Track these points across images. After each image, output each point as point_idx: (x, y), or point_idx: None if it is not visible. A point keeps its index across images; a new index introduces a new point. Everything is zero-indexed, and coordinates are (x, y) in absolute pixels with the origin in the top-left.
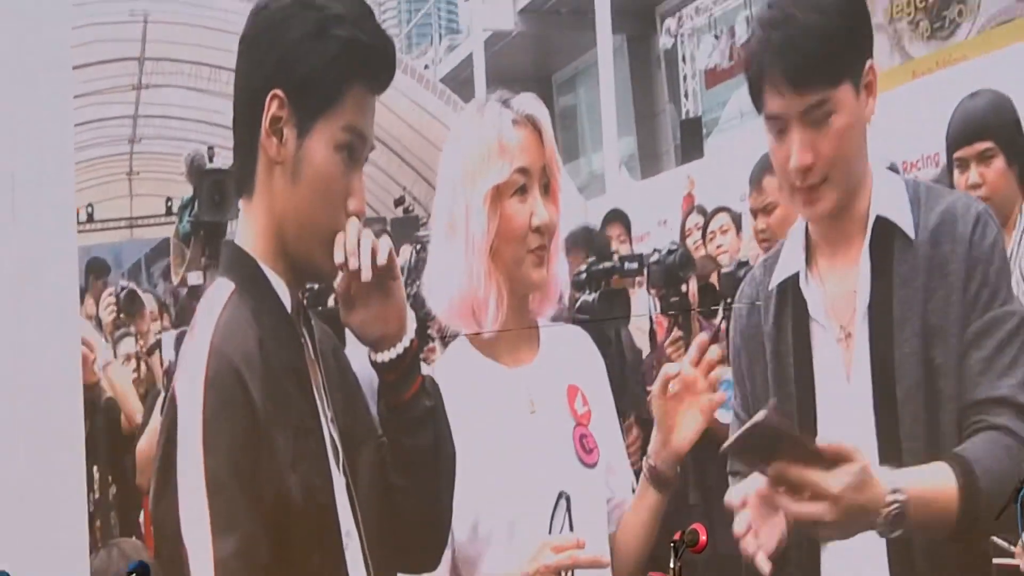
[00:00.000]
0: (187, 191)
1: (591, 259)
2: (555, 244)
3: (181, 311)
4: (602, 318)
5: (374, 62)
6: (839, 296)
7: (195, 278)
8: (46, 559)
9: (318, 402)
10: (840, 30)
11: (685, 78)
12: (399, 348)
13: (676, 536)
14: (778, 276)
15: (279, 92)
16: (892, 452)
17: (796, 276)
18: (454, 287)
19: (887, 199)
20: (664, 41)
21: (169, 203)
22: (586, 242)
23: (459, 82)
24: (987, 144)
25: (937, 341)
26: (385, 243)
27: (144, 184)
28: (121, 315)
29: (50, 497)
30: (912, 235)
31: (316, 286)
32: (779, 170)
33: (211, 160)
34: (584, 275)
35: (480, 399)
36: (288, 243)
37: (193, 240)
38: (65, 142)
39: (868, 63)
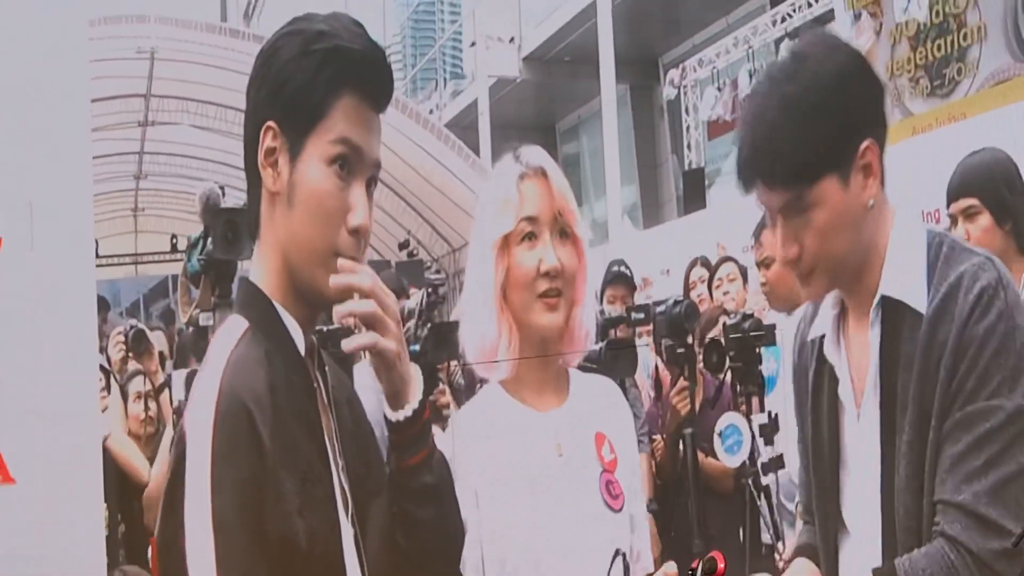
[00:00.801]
0: (192, 229)
1: (599, 310)
2: (579, 289)
3: (182, 351)
4: (607, 371)
5: (360, 68)
6: (860, 367)
7: (205, 319)
8: None
9: (328, 450)
10: (821, 123)
11: (688, 129)
12: (407, 410)
13: (694, 564)
14: (815, 331)
15: (271, 123)
16: (890, 544)
17: (823, 338)
18: (478, 334)
19: (897, 272)
20: (667, 92)
21: (174, 240)
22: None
23: (463, 127)
24: (971, 201)
25: (932, 429)
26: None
27: (149, 221)
28: (130, 354)
29: (67, 525)
30: (923, 310)
31: (327, 327)
32: (774, 249)
33: (224, 198)
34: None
35: (509, 441)
36: (295, 272)
37: (203, 279)
38: (83, 171)
39: (864, 144)
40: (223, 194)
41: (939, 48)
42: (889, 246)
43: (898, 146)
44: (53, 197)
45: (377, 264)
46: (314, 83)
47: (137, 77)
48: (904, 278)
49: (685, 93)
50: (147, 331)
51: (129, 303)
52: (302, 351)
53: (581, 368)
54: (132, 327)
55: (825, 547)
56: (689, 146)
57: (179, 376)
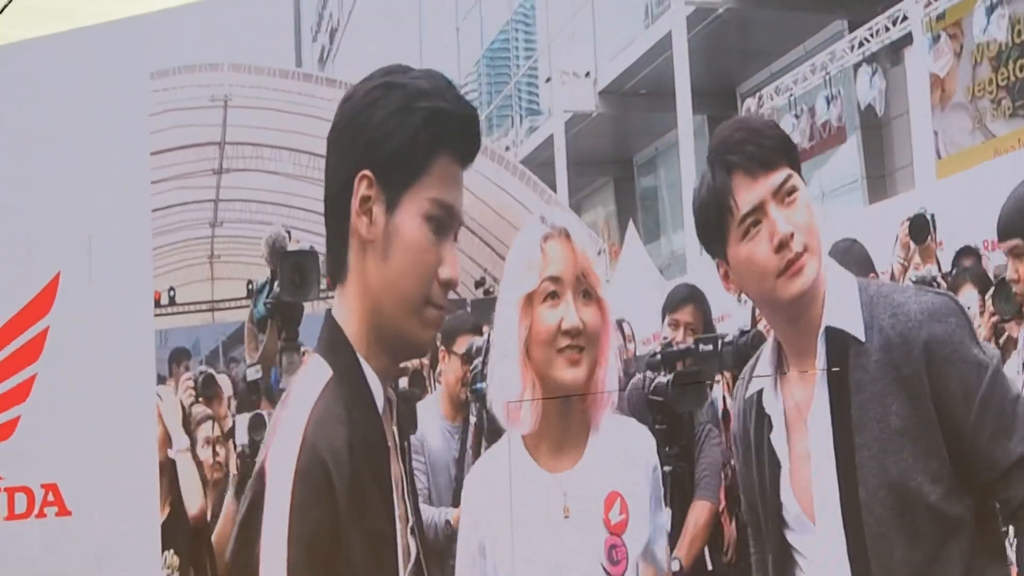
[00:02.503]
0: (266, 274)
1: (665, 340)
2: (603, 349)
3: (241, 398)
4: (674, 404)
5: (458, 131)
6: (803, 405)
7: (253, 373)
8: None
9: (396, 508)
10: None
11: None
12: None
13: None
14: (752, 388)
15: (367, 172)
16: (859, 552)
17: (761, 392)
18: (503, 389)
19: (837, 305)
20: None
21: (250, 285)
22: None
23: (539, 163)
24: (1015, 241)
25: (906, 443)
26: None
27: (225, 268)
28: (199, 399)
29: (124, 557)
30: (863, 339)
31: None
32: (759, 267)
33: (290, 241)
34: (659, 356)
35: (518, 500)
36: (384, 320)
37: (269, 323)
38: (141, 206)
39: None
40: (289, 237)
41: (1021, 68)
42: (828, 283)
43: (979, 168)
44: (112, 231)
45: (454, 303)
46: (415, 141)
47: (212, 125)
48: (843, 310)
49: None
50: (215, 375)
51: (208, 351)
52: (380, 407)
53: (648, 401)
54: (201, 372)
55: None
56: None
57: (242, 420)
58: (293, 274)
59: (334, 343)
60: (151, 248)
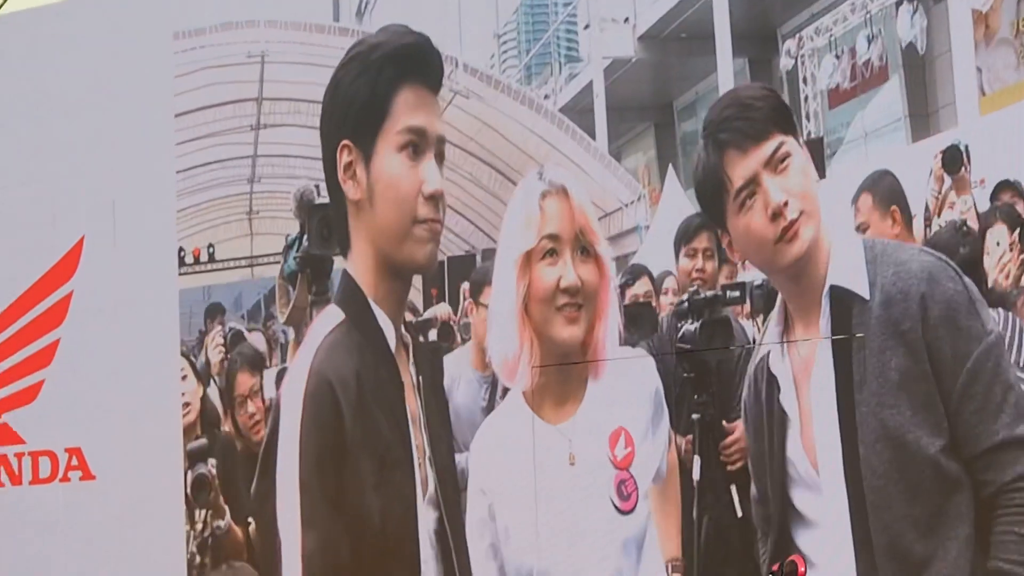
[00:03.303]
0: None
1: (693, 288)
2: (601, 305)
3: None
4: (703, 348)
5: (411, 59)
6: (808, 361)
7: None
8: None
9: (413, 440)
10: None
11: (807, 99)
12: None
13: (775, 568)
14: (760, 352)
15: (345, 141)
16: (859, 506)
17: (768, 355)
18: (501, 346)
19: (842, 263)
20: (785, 63)
21: (288, 240)
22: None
23: (579, 111)
24: None
25: (903, 397)
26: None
27: (264, 223)
28: (228, 354)
29: (148, 521)
30: (867, 295)
31: (416, 318)
32: (756, 236)
33: (319, 195)
34: (686, 304)
35: (522, 456)
36: (384, 254)
37: (300, 277)
38: (165, 170)
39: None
40: (318, 191)
41: None
42: (833, 242)
43: (1021, 104)
44: (136, 196)
45: (488, 252)
46: (375, 90)
47: (249, 81)
48: (847, 269)
49: (803, 63)
50: (245, 332)
51: (251, 305)
52: (392, 346)
53: (676, 351)
54: (231, 329)
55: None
56: (808, 116)
57: (270, 375)
58: (321, 227)
59: (346, 292)
60: (175, 212)
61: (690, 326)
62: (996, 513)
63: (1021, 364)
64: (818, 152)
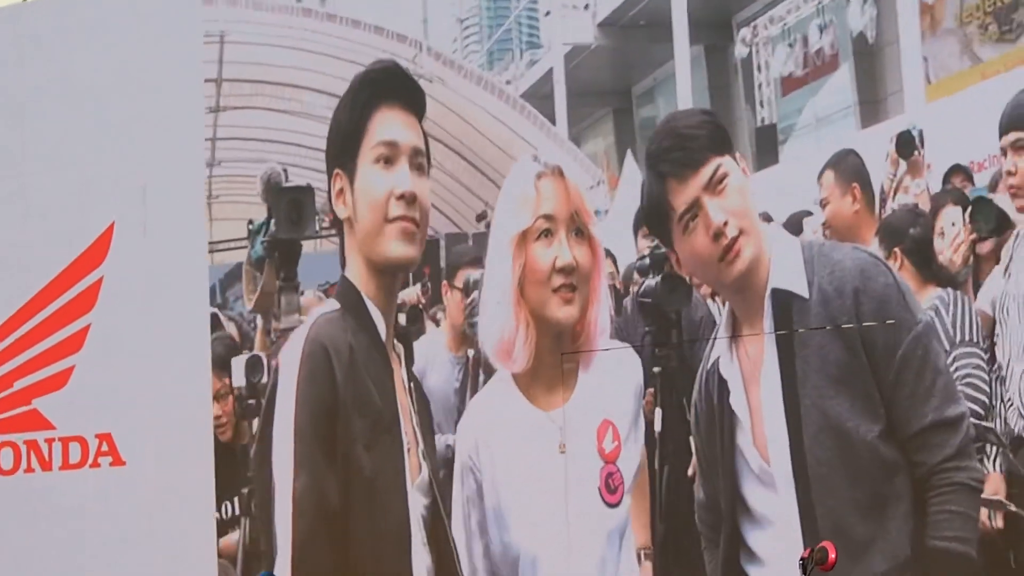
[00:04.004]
0: (265, 213)
1: (654, 244)
2: (594, 287)
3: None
4: (663, 303)
5: (383, 82)
6: (755, 363)
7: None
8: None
9: (402, 421)
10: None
11: (761, 86)
12: None
13: (805, 553)
14: (712, 357)
15: (337, 170)
16: (806, 494)
17: (719, 360)
18: (496, 328)
19: (781, 267)
20: (740, 51)
21: (250, 225)
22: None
23: (540, 97)
24: (1020, 134)
25: (842, 389)
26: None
27: (224, 208)
28: None
29: (177, 506)
30: (806, 295)
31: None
32: (701, 256)
33: (287, 179)
34: (648, 260)
35: (514, 440)
36: (369, 253)
37: (267, 263)
38: (196, 158)
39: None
40: (286, 175)
41: None
42: (773, 247)
43: (965, 92)
44: (166, 183)
45: (455, 237)
46: (354, 114)
47: (208, 62)
48: (787, 271)
49: (757, 51)
50: (222, 316)
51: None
52: (383, 335)
53: (639, 305)
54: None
55: (729, 548)
56: (762, 103)
57: (239, 362)
58: (290, 211)
59: (342, 288)
60: (205, 197)
61: (651, 280)
62: (930, 494)
63: (967, 339)
64: (771, 138)
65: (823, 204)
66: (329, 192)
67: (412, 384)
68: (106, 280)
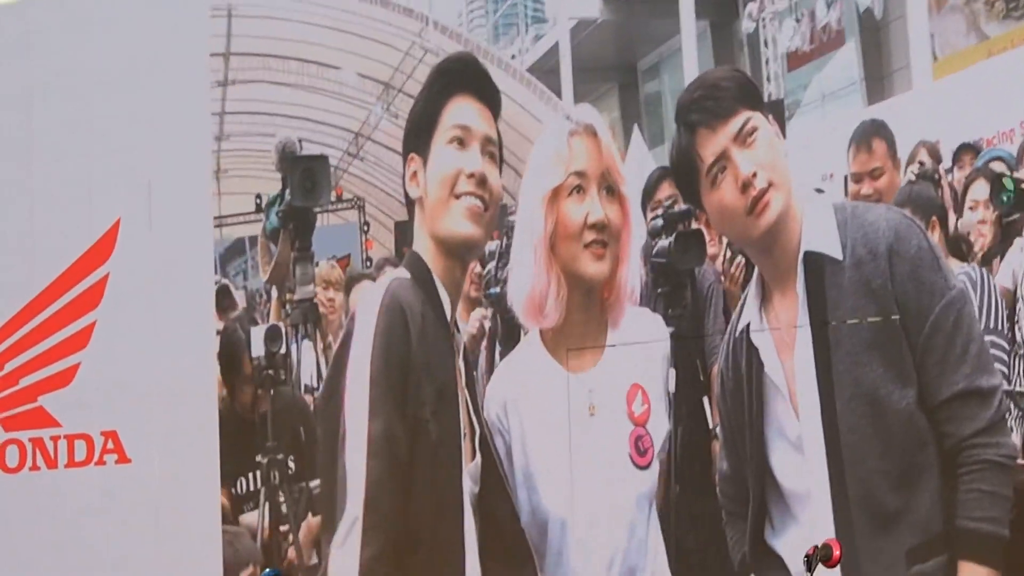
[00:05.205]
0: (276, 188)
1: (667, 203)
2: (624, 246)
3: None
4: (677, 262)
5: (458, 73)
6: (787, 328)
7: (305, 293)
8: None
9: (461, 400)
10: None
11: (767, 61)
12: None
13: (810, 551)
14: (741, 324)
15: (412, 154)
16: (836, 463)
17: (748, 327)
18: (526, 286)
19: (814, 229)
20: (746, 26)
21: (258, 200)
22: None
23: (545, 71)
24: None
25: (875, 354)
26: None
27: (232, 182)
28: (225, 314)
29: (183, 503)
30: (840, 257)
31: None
32: (728, 209)
33: (301, 148)
34: (661, 220)
35: (544, 402)
36: (438, 230)
37: (282, 234)
38: (202, 153)
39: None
40: (300, 145)
41: None
42: (804, 209)
43: (972, 69)
44: (172, 178)
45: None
46: (429, 103)
47: (216, 36)
48: (819, 233)
49: (764, 26)
50: (231, 287)
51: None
52: (448, 315)
53: (651, 265)
54: (216, 283)
55: (756, 521)
56: (768, 78)
57: (258, 332)
58: (304, 179)
59: (413, 262)
60: (212, 194)
61: (664, 241)
62: (960, 470)
63: (991, 326)
64: (779, 113)
65: (876, 175)
66: (404, 176)
67: (468, 373)
68: (112, 276)
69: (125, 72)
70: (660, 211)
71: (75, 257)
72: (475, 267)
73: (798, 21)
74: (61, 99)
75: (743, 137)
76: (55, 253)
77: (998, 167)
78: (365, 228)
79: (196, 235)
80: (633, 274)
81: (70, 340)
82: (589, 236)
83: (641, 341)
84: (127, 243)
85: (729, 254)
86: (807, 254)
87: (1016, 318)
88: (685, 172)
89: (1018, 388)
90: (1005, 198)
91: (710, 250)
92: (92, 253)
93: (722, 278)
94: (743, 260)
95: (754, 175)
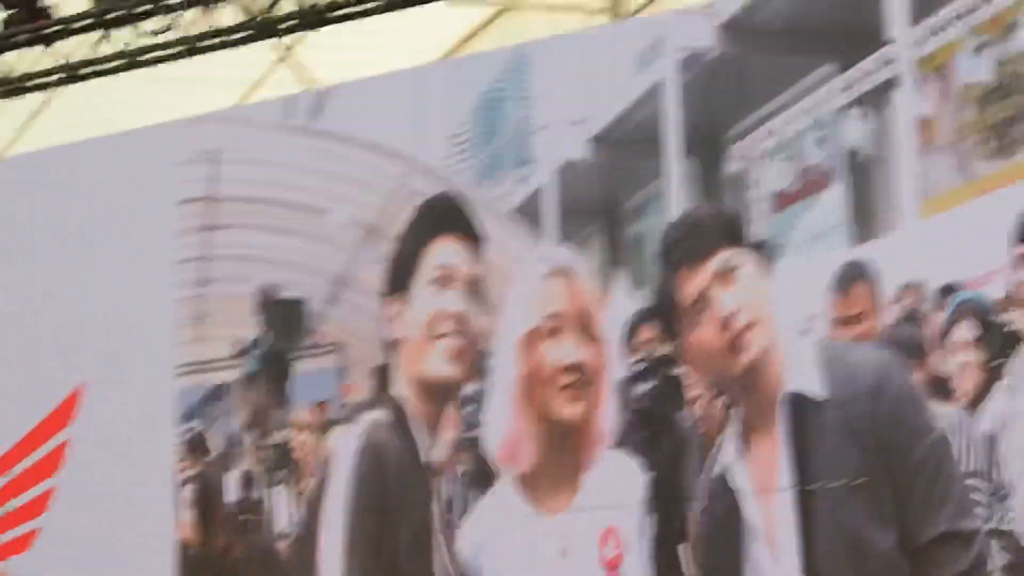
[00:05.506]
0: (256, 332)
1: (648, 347)
2: (600, 388)
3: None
4: (656, 408)
5: (441, 214)
6: (768, 471)
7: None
8: None
9: (436, 542)
10: (720, 214)
11: (753, 201)
12: None
13: None
14: (718, 467)
15: (393, 295)
16: None
17: (727, 469)
18: (501, 429)
19: (796, 368)
20: (733, 165)
21: (238, 346)
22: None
23: (530, 213)
24: None
25: (859, 495)
26: None
27: (214, 328)
28: (187, 458)
29: None
30: (822, 398)
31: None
32: (708, 347)
33: (280, 292)
34: (641, 364)
35: (516, 544)
36: (417, 376)
37: (261, 378)
38: (166, 319)
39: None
40: (279, 290)
41: (1006, 108)
42: (786, 348)
43: (961, 208)
44: (136, 344)
45: None
46: (413, 239)
47: (200, 180)
48: (801, 374)
49: (750, 166)
50: (206, 434)
51: (193, 402)
52: (424, 457)
53: (632, 411)
54: (189, 430)
55: None
56: (754, 219)
57: (232, 477)
58: (283, 322)
59: (391, 405)
60: (175, 364)
61: (644, 386)
62: None
63: (972, 468)
64: (763, 254)
65: (856, 319)
66: (384, 316)
67: (443, 515)
68: (72, 442)
69: (92, 241)
70: (641, 355)
71: (35, 423)
72: (455, 408)
73: (786, 160)
74: (28, 263)
75: (725, 275)
76: (17, 417)
77: (984, 308)
78: (343, 374)
79: (158, 401)
80: (609, 416)
81: (27, 507)
82: (564, 379)
83: (616, 487)
84: (89, 409)
85: (708, 395)
86: (789, 395)
87: (996, 461)
88: (666, 311)
89: (1001, 527)
90: (992, 340)
91: (691, 393)
92: (53, 419)
93: (700, 421)
94: (722, 401)
95: (735, 313)
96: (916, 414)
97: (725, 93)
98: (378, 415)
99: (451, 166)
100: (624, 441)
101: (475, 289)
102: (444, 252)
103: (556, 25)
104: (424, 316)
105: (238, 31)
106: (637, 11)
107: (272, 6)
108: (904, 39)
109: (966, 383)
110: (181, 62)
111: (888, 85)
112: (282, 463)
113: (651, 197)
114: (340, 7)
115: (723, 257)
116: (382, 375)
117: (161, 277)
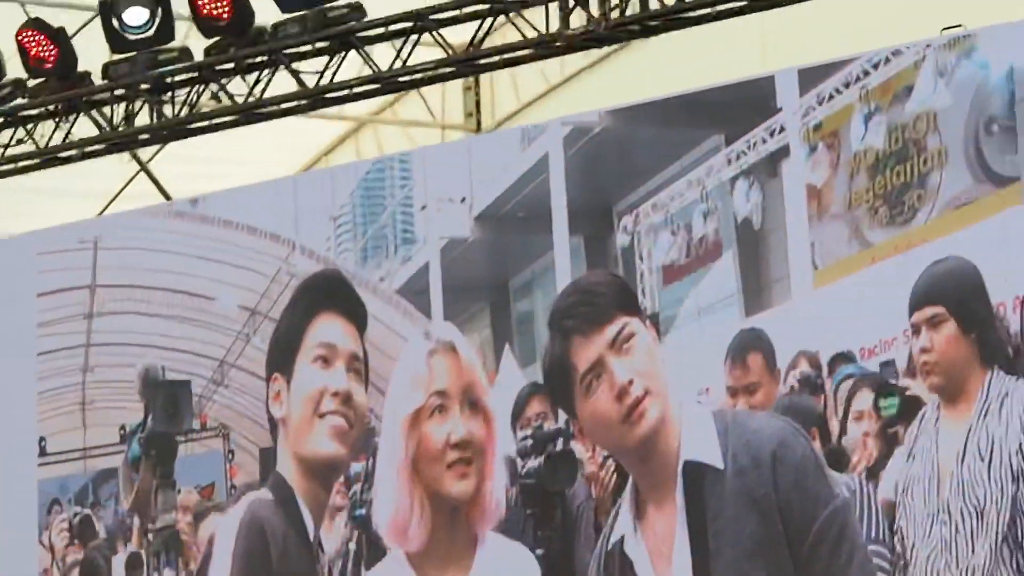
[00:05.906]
0: (140, 417)
1: (537, 422)
2: (489, 461)
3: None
4: (548, 483)
5: (322, 292)
6: (664, 539)
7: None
8: None
9: None
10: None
11: (642, 275)
12: None
13: None
14: (614, 536)
15: (275, 374)
16: None
17: (623, 539)
18: (389, 508)
19: (693, 437)
20: (621, 240)
21: (123, 431)
22: None
23: (415, 292)
24: (937, 309)
25: (759, 563)
26: None
27: (97, 414)
28: (75, 541)
29: None
30: (720, 466)
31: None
32: (603, 418)
33: (163, 375)
34: (530, 440)
35: None
36: (301, 456)
37: (144, 461)
38: (26, 378)
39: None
40: (163, 371)
41: (898, 175)
42: (683, 417)
43: (853, 277)
44: None
45: None
46: (293, 319)
47: (81, 268)
48: (699, 441)
49: (639, 240)
50: (94, 518)
51: (79, 488)
52: (311, 535)
53: (521, 487)
54: (76, 513)
55: None
56: (644, 293)
57: (119, 561)
58: (167, 404)
59: (276, 482)
60: (37, 462)
61: (533, 461)
62: None
63: (871, 536)
64: (654, 329)
65: (751, 390)
66: (268, 396)
67: None
68: None
69: None
70: (530, 430)
71: None
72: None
73: (674, 234)
74: None
75: (619, 344)
76: None
77: (881, 376)
78: (230, 456)
79: (21, 460)
80: (499, 488)
81: None
82: (452, 455)
83: (507, 566)
84: None
85: (600, 459)
86: (687, 463)
87: (896, 529)
88: (558, 380)
89: None
90: (890, 408)
91: (587, 468)
92: None
93: (592, 485)
94: (614, 464)
95: (630, 382)
96: (817, 481)
97: (611, 166)
98: (262, 493)
99: (334, 247)
100: (515, 517)
101: (357, 367)
102: (325, 330)
103: (413, 140)
104: (308, 394)
105: (94, 143)
106: (500, 124)
107: (128, 119)
108: (792, 108)
109: (865, 451)
110: (35, 173)
111: (777, 155)
112: (169, 546)
113: (538, 273)
114: (196, 119)
115: (618, 325)
116: (270, 456)
117: (22, 369)
